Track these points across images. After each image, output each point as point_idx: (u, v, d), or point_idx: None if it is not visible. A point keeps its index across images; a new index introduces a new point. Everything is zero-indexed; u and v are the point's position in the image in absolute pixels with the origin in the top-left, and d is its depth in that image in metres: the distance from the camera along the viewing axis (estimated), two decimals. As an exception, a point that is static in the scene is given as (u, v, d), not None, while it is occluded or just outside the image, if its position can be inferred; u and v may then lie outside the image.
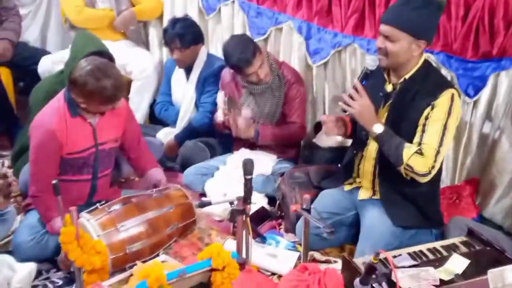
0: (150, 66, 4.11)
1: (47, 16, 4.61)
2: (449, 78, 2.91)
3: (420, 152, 2.40)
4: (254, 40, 3.42)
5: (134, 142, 2.95)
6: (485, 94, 2.84)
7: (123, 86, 2.63)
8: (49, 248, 2.61)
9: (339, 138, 3.22)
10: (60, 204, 2.18)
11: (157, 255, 2.62)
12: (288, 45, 3.64)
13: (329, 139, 3.28)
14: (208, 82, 3.65)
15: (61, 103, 2.62)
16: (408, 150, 2.40)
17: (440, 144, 2.39)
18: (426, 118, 2.41)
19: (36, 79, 3.49)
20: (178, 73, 3.80)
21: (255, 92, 3.31)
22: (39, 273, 2.56)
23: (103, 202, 2.64)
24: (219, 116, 3.35)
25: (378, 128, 2.44)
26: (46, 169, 2.60)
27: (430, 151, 2.39)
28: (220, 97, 3.37)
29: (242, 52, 3.14)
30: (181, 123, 3.77)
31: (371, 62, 2.46)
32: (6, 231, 2.71)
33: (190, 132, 3.65)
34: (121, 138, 2.87)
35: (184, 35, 3.55)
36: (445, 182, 3.08)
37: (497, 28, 2.71)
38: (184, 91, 3.77)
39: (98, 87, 2.48)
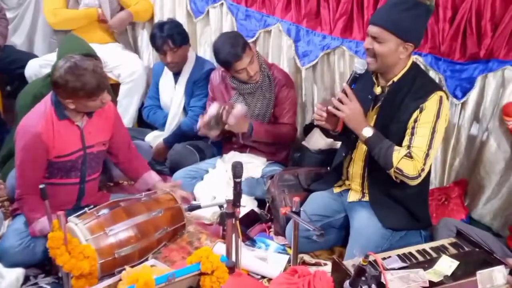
0: (139, 69, 4.10)
1: (34, 19, 4.58)
2: (437, 80, 2.92)
3: (409, 156, 2.40)
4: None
5: (124, 146, 2.94)
6: (473, 95, 2.85)
7: (104, 75, 2.62)
8: (37, 253, 2.59)
9: (329, 141, 3.23)
10: (47, 208, 2.17)
11: (146, 259, 2.60)
12: (277, 48, 3.64)
13: (318, 141, 3.28)
14: (198, 86, 3.65)
15: (48, 106, 2.60)
16: (398, 154, 2.41)
17: (429, 147, 2.40)
18: (415, 121, 2.42)
19: (23, 83, 3.47)
20: (166, 77, 3.79)
21: (245, 92, 3.29)
22: (27, 279, 2.55)
23: (92, 206, 2.62)
24: (202, 123, 3.27)
25: (367, 132, 2.45)
26: (32, 172, 2.58)
27: (419, 154, 2.40)
28: (213, 108, 3.36)
29: (232, 46, 3.12)
30: (170, 127, 3.76)
31: (360, 66, 2.46)
32: (-7, 236, 2.69)
33: (179, 136, 3.64)
34: (110, 143, 2.86)
35: (174, 35, 3.53)
36: (433, 183, 3.09)
37: (485, 30, 2.73)
38: (172, 94, 3.76)
39: (80, 83, 2.46)
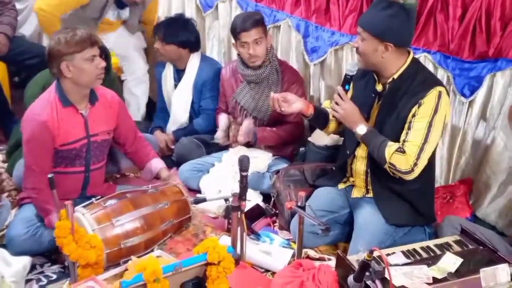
0: (144, 67, 4.12)
1: (44, 10, 4.59)
2: (445, 78, 2.93)
3: (402, 150, 2.42)
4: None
5: (131, 136, 2.96)
6: (480, 94, 2.85)
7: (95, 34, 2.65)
8: (44, 242, 2.61)
9: (335, 137, 3.23)
10: (55, 198, 2.18)
11: (152, 250, 2.62)
12: (286, 43, 3.64)
13: (325, 137, 3.29)
14: (207, 88, 3.66)
15: (52, 94, 2.62)
16: (390, 149, 2.43)
17: (425, 141, 2.41)
18: (413, 116, 2.44)
19: (31, 74, 3.48)
20: (167, 75, 3.81)
21: (251, 79, 3.29)
22: (33, 267, 2.56)
23: (99, 197, 2.64)
24: (218, 138, 3.40)
25: (361, 130, 2.51)
26: (40, 161, 2.60)
27: (412, 149, 2.41)
28: (223, 119, 3.37)
29: (245, 18, 3.20)
30: (172, 127, 3.78)
31: (350, 67, 2.56)
32: (0, 225, 2.71)
33: (190, 133, 3.66)
34: (116, 133, 2.88)
35: (171, 30, 3.56)
36: (439, 181, 3.10)
37: (494, 29, 2.72)
38: (174, 95, 3.77)
39: (71, 33, 2.52)
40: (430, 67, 2.96)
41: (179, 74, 3.75)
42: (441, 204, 2.97)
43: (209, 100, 3.66)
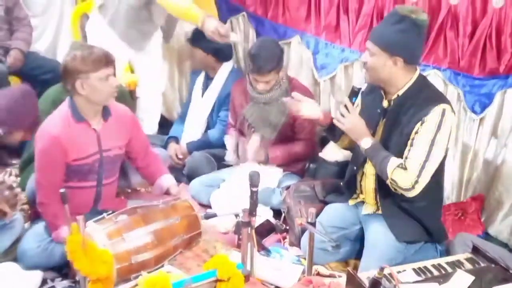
0: (160, 81, 4.12)
1: (58, 26, 4.66)
2: (455, 94, 2.93)
3: (403, 167, 2.42)
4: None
5: (142, 151, 2.98)
6: (491, 111, 2.85)
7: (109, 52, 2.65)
8: (55, 256, 2.63)
9: (346, 153, 3.23)
10: (67, 212, 2.20)
11: (162, 266, 2.62)
12: (295, 60, 3.66)
13: (335, 153, 3.29)
14: (229, 99, 3.67)
15: (65, 109, 2.65)
16: (392, 164, 2.43)
17: (426, 159, 2.40)
18: (416, 133, 2.44)
19: (45, 89, 3.52)
20: (198, 82, 3.85)
21: (260, 101, 3.32)
22: (44, 282, 2.58)
23: (110, 212, 2.65)
24: (229, 159, 3.43)
25: (366, 143, 2.51)
26: (51, 176, 2.62)
27: (413, 166, 2.40)
28: (229, 140, 3.38)
29: (266, 59, 3.16)
30: (187, 137, 3.79)
31: (358, 80, 2.53)
32: (13, 239, 2.73)
33: (205, 145, 3.68)
34: (128, 147, 2.90)
35: (200, 34, 3.51)
36: (450, 198, 3.09)
37: (504, 46, 2.73)
38: (197, 102, 3.79)
39: (87, 51, 2.54)
40: (440, 83, 2.97)
41: (208, 82, 3.78)
42: (453, 221, 2.96)
43: (227, 112, 3.67)
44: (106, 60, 2.57)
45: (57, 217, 2.58)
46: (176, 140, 3.88)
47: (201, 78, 3.86)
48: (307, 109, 2.76)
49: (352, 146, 2.83)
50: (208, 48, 3.63)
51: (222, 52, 3.70)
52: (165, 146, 3.87)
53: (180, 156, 3.73)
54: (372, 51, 2.47)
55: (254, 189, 2.30)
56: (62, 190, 2.18)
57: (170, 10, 3.47)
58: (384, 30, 2.45)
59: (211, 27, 3.20)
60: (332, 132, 2.82)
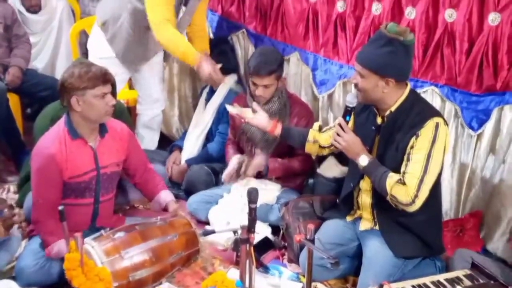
0: (161, 97, 4.14)
1: (57, 44, 4.69)
2: (453, 111, 2.94)
3: (402, 182, 2.43)
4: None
5: (141, 167, 2.99)
6: (489, 127, 2.86)
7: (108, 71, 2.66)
8: (53, 274, 2.61)
9: (344, 169, 3.23)
10: (65, 230, 2.20)
11: (160, 283, 2.61)
12: (295, 76, 3.68)
13: (333, 169, 3.29)
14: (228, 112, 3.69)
15: (61, 127, 2.66)
16: (391, 180, 2.44)
17: (424, 173, 2.41)
18: (412, 147, 2.45)
19: (43, 106, 3.54)
20: (204, 94, 3.88)
21: None
22: (42, 300, 2.56)
23: (108, 229, 2.65)
24: (224, 178, 3.39)
25: (363, 161, 2.54)
26: (47, 194, 2.62)
27: (412, 180, 2.41)
28: (233, 161, 3.39)
29: (262, 62, 3.19)
30: (191, 147, 3.80)
31: (350, 99, 2.59)
32: (10, 256, 2.72)
33: (205, 160, 3.68)
34: (126, 164, 2.90)
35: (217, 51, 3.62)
36: (449, 214, 3.09)
37: (501, 63, 2.74)
38: (197, 114, 3.81)
39: (86, 68, 2.55)
40: (438, 100, 2.98)
41: (211, 94, 3.79)
42: (451, 238, 2.96)
43: (227, 125, 3.67)
44: (104, 79, 2.58)
45: (53, 234, 2.58)
46: (181, 149, 3.89)
47: (206, 90, 3.89)
48: (257, 119, 3.00)
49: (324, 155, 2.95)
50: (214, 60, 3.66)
51: (227, 64, 3.71)
52: (169, 152, 3.92)
53: (177, 163, 3.75)
54: (362, 73, 2.49)
55: (253, 205, 2.29)
56: (60, 208, 2.18)
57: (169, 50, 3.56)
58: (373, 52, 2.47)
59: (206, 72, 3.36)
60: (289, 140, 3.02)
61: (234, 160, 3.36)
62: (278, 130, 2.96)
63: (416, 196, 2.41)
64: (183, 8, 3.60)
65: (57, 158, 2.58)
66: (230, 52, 3.89)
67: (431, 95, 3.00)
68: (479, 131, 2.89)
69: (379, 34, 2.46)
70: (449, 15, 2.86)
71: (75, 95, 2.55)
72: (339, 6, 3.31)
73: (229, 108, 3.09)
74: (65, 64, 4.54)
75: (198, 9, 3.70)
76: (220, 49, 3.80)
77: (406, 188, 2.41)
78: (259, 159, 3.29)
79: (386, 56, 2.42)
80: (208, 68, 3.38)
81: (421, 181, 2.41)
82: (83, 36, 4.60)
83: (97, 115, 2.62)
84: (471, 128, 2.90)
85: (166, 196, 3.02)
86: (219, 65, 3.49)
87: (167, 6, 3.40)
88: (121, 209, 3.27)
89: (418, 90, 2.89)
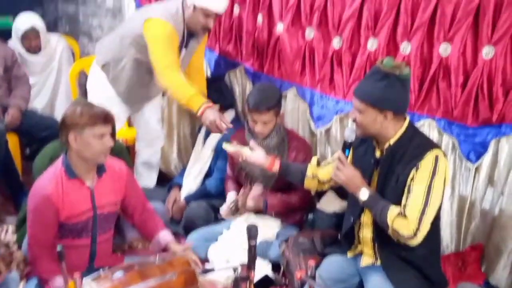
0: (160, 135, 4.15)
1: (56, 85, 4.74)
2: (450, 144, 2.95)
3: (403, 215, 2.42)
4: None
5: (139, 207, 2.97)
6: (486, 159, 2.86)
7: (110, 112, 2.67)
8: (50, 316, 2.58)
9: (343, 203, 3.23)
10: (64, 270, 2.17)
11: (159, 322, 2.57)
12: (292, 112, 3.71)
13: (333, 204, 3.28)
14: None
15: (59, 167, 2.65)
16: (392, 213, 2.44)
17: (425, 205, 2.41)
18: (412, 180, 2.45)
19: (42, 146, 3.56)
20: (201, 133, 3.90)
21: None
22: None
23: (106, 267, 2.62)
24: (222, 212, 3.40)
25: (364, 195, 2.52)
26: (43, 234, 2.61)
27: (413, 214, 2.40)
28: (230, 195, 3.39)
29: (260, 98, 3.21)
30: (191, 183, 3.80)
31: (349, 133, 2.61)
32: (8, 298, 2.69)
33: (203, 196, 3.68)
34: (124, 203, 2.88)
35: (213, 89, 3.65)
36: (450, 247, 3.06)
37: (496, 96, 2.77)
38: (198, 152, 3.82)
39: (87, 107, 2.57)
40: (435, 133, 3.00)
41: (209, 132, 3.79)
42: (453, 272, 2.92)
43: (225, 161, 3.68)
44: (104, 119, 2.58)
45: (49, 274, 2.55)
46: (180, 186, 3.89)
47: (203, 129, 3.91)
48: (255, 157, 2.98)
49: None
50: (211, 98, 3.68)
51: (224, 101, 3.73)
52: (168, 190, 3.93)
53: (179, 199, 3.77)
54: (360, 108, 2.51)
55: (252, 242, 2.28)
56: (59, 248, 2.16)
57: (174, 96, 3.54)
58: (370, 87, 2.49)
59: (210, 118, 3.31)
60: (289, 177, 3.01)
61: (231, 195, 3.35)
62: (276, 167, 2.96)
63: (417, 229, 2.40)
64: (184, 50, 3.65)
65: (53, 198, 2.57)
66: (225, 89, 3.94)
67: (428, 128, 3.01)
68: (477, 163, 2.89)
69: (376, 69, 2.49)
70: (443, 49, 2.89)
71: (73, 132, 2.55)
72: (335, 43, 3.35)
73: (226, 146, 3.10)
74: (65, 105, 4.60)
75: (196, 51, 3.76)
76: (216, 87, 3.85)
77: (408, 221, 2.40)
78: (257, 190, 3.27)
79: (383, 90, 2.45)
80: (213, 115, 3.32)
81: (422, 213, 2.40)
82: (82, 76, 4.64)
83: (93, 155, 2.62)
84: (469, 160, 2.91)
85: (165, 236, 2.98)
86: (224, 115, 3.49)
87: (172, 50, 3.43)
88: (119, 248, 3.24)
89: (416, 124, 2.91)
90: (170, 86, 3.43)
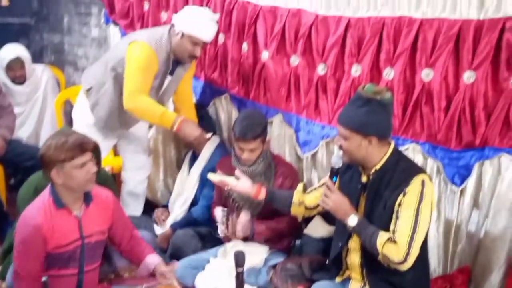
0: (146, 165, 4.13)
1: (41, 114, 4.73)
2: (435, 167, 2.98)
3: (393, 240, 2.43)
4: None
5: (126, 235, 2.95)
6: (471, 182, 2.89)
7: (89, 139, 2.64)
8: None
9: (331, 229, 3.23)
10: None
11: None
12: (278, 137, 3.72)
13: (320, 229, 3.28)
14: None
15: (46, 197, 2.64)
16: (381, 239, 2.44)
17: (414, 230, 2.42)
18: (399, 205, 2.47)
19: (27, 176, 3.53)
20: (185, 161, 3.90)
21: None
22: None
23: (93, 298, 2.59)
24: (220, 232, 3.38)
25: (352, 221, 2.53)
26: (30, 265, 2.58)
27: (402, 239, 2.41)
28: (219, 213, 3.40)
29: (246, 127, 3.21)
30: (179, 211, 3.79)
31: (336, 159, 2.63)
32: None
33: (189, 224, 3.66)
34: (112, 231, 2.86)
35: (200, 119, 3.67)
36: (437, 271, 3.07)
37: (478, 119, 2.81)
38: (186, 179, 3.81)
39: (64, 138, 2.53)
40: (420, 157, 3.02)
41: (194, 159, 3.80)
42: (442, 295, 2.93)
43: (211, 188, 3.65)
44: (81, 148, 2.56)
45: None
46: (166, 208, 3.92)
47: (189, 156, 3.91)
48: (240, 186, 3.00)
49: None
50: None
51: (206, 129, 3.74)
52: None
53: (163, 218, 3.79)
54: (344, 134, 2.54)
55: (240, 269, 2.28)
56: (43, 279, 2.14)
57: (144, 118, 3.57)
58: (353, 113, 2.52)
59: (195, 134, 3.43)
60: (275, 204, 3.02)
61: (218, 210, 3.34)
62: (262, 195, 2.96)
63: (407, 254, 2.40)
64: (169, 77, 3.66)
65: (43, 228, 2.55)
66: (206, 116, 3.94)
67: (413, 152, 3.04)
68: (462, 186, 2.91)
69: (358, 95, 2.52)
70: (426, 74, 2.94)
71: (55, 168, 2.54)
72: (320, 69, 3.39)
73: (211, 176, 3.10)
74: (50, 134, 4.54)
75: (184, 78, 3.78)
76: (199, 115, 3.86)
77: (397, 247, 2.41)
78: (245, 217, 3.27)
79: (366, 115, 2.48)
80: (192, 129, 3.37)
81: (412, 238, 2.41)
82: (68, 105, 4.64)
83: (79, 185, 2.61)
84: (454, 183, 2.93)
85: (153, 259, 2.97)
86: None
87: (145, 74, 3.44)
88: (106, 278, 3.21)
89: (400, 148, 2.94)
90: (136, 109, 3.45)
